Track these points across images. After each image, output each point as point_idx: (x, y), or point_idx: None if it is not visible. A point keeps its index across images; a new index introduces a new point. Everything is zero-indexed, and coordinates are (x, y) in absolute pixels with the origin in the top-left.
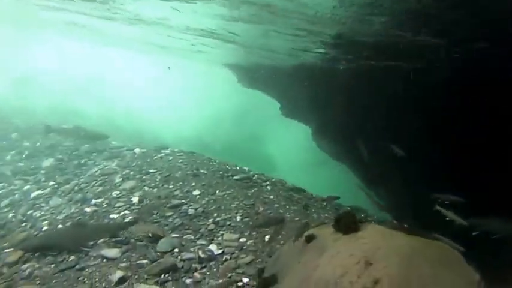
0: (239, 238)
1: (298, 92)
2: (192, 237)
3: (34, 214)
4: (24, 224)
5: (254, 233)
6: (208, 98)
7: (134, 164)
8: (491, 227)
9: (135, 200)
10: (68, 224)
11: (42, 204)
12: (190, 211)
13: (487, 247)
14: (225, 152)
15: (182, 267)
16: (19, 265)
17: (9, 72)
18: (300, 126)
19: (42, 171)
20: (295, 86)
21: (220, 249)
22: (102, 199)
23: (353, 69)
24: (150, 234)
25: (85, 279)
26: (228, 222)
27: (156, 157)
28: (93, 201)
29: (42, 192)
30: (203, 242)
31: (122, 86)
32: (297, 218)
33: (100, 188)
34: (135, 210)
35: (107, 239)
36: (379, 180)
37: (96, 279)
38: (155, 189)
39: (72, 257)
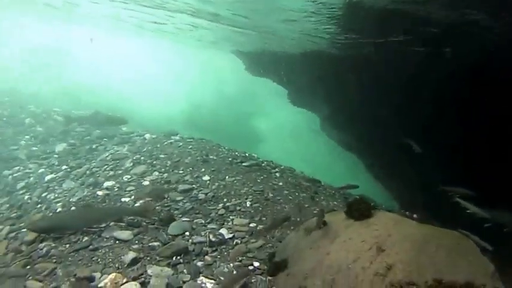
0: (249, 223)
1: (307, 79)
2: (203, 222)
3: (48, 196)
4: (39, 205)
5: (264, 218)
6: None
7: (144, 149)
8: (504, 219)
9: (145, 184)
10: (79, 206)
11: (56, 187)
12: (201, 196)
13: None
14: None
15: (193, 250)
16: (36, 243)
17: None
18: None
19: (56, 156)
20: (304, 73)
21: (231, 233)
22: (113, 183)
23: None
24: None
25: (99, 259)
26: (238, 208)
27: (166, 143)
28: (105, 185)
29: (55, 175)
30: (214, 226)
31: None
32: (307, 205)
33: (111, 172)
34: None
35: (117, 222)
36: (391, 170)
37: (110, 260)
38: (165, 174)
39: (86, 238)
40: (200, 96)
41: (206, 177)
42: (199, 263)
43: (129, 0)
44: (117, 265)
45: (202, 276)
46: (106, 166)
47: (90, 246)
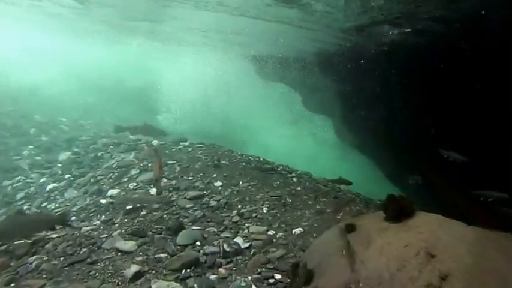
0: (267, 231)
1: (322, 83)
2: (215, 230)
3: (49, 206)
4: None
5: (283, 225)
6: None
7: (152, 155)
8: None
9: (153, 191)
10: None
11: (57, 197)
12: (212, 202)
13: None
14: None
15: (205, 261)
16: (27, 257)
17: None
18: None
19: (59, 165)
20: (319, 76)
21: (247, 242)
22: (118, 191)
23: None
24: None
25: (97, 274)
26: (254, 214)
27: (174, 149)
28: (109, 193)
29: (57, 184)
30: (227, 234)
31: None
32: (329, 210)
33: (116, 180)
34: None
35: (123, 231)
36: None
37: (109, 274)
38: (174, 181)
39: (84, 249)
40: None
41: (218, 183)
42: (212, 277)
43: None
44: (117, 280)
45: None
46: (111, 174)
47: (88, 259)
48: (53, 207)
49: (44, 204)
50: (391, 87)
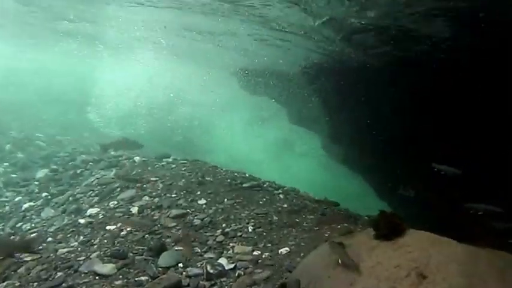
0: (253, 251)
1: (307, 96)
2: (199, 250)
3: (24, 227)
4: (12, 237)
5: (269, 245)
6: None
7: (134, 172)
8: None
9: (134, 210)
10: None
11: (33, 216)
12: (196, 221)
13: None
14: None
15: (188, 284)
16: None
17: None
18: None
19: (36, 182)
20: (304, 89)
21: (232, 263)
22: (98, 210)
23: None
24: None
25: None
26: (239, 233)
27: (157, 165)
28: (88, 212)
29: (34, 203)
30: (211, 255)
31: None
32: (316, 228)
33: (96, 199)
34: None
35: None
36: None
37: None
38: (156, 199)
39: (59, 273)
40: None
41: (202, 201)
42: None
43: None
44: None
45: None
46: (91, 192)
47: (64, 284)
48: (28, 227)
49: (19, 224)
50: (378, 101)
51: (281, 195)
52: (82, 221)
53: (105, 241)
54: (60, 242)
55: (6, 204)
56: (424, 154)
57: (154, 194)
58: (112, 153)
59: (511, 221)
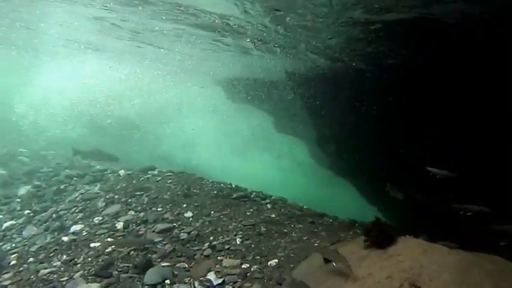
0: (241, 264)
1: (293, 103)
2: (186, 266)
3: (4, 247)
4: None
5: (258, 257)
6: None
7: (119, 186)
8: None
9: (119, 225)
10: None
11: (15, 236)
12: (183, 235)
13: None
14: None
15: None
16: None
17: None
18: None
19: (18, 200)
20: (289, 97)
21: (220, 277)
22: (82, 226)
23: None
24: None
25: None
26: (227, 246)
27: (142, 178)
28: (72, 229)
29: (15, 222)
30: (199, 270)
31: None
32: (305, 238)
33: (80, 215)
34: (119, 237)
35: (85, 271)
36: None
37: None
38: (142, 213)
39: None
40: None
41: (189, 214)
42: None
43: None
44: None
45: None
46: (75, 208)
47: None
48: (8, 247)
49: None
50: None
51: (268, 205)
52: (65, 238)
53: (89, 259)
54: (42, 262)
55: None
56: (413, 156)
57: (139, 208)
58: (97, 167)
59: (502, 223)
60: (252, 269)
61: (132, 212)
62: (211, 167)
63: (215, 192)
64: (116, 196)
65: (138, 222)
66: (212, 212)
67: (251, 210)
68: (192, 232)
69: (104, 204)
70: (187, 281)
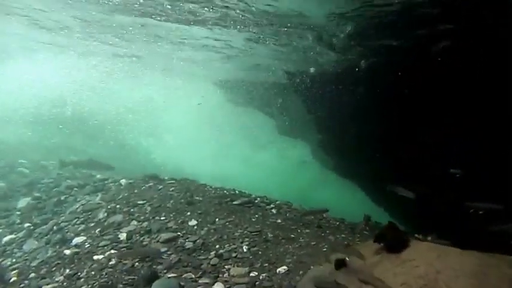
0: (249, 272)
1: (297, 106)
2: (193, 276)
3: (4, 262)
4: None
5: (266, 264)
6: None
7: (120, 196)
8: None
9: (122, 236)
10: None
11: (15, 250)
12: (188, 244)
13: None
14: None
15: None
16: None
17: None
18: None
19: (18, 213)
20: (293, 99)
21: (229, 287)
22: (84, 238)
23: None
24: None
25: None
26: (234, 254)
27: (144, 187)
28: (74, 242)
29: (15, 236)
30: (206, 280)
31: None
32: (313, 243)
33: (82, 226)
34: (122, 249)
35: (89, 286)
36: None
37: None
38: (145, 223)
39: None
40: None
41: (193, 222)
42: None
43: None
44: None
45: None
46: (76, 219)
47: None
48: (9, 263)
49: None
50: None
51: (274, 210)
52: (67, 251)
53: (93, 273)
54: (44, 278)
55: None
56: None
57: (142, 217)
58: (98, 176)
59: (502, 223)
60: (261, 277)
61: (135, 222)
62: (212, 173)
63: (219, 198)
64: (118, 206)
65: (142, 232)
66: (217, 219)
67: (256, 216)
68: (198, 241)
69: (105, 214)
70: None
